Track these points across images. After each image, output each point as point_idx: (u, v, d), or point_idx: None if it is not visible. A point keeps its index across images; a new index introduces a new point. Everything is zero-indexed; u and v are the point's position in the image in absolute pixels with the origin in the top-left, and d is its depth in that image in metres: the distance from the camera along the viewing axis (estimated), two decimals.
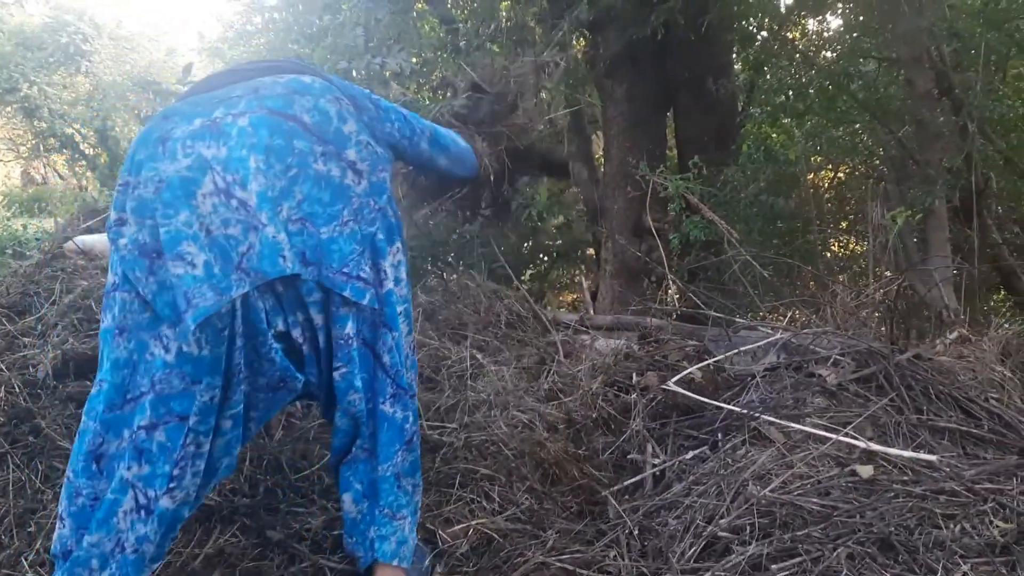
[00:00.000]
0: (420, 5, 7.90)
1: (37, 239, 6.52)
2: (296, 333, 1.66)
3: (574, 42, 6.83)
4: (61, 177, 18.39)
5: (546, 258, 6.35)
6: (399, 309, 1.78)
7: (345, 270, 1.63)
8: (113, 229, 1.58)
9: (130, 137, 15.17)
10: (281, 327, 1.64)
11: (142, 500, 1.59)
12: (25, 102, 15.81)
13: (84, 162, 16.84)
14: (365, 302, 1.66)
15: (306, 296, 1.64)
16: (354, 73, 7.43)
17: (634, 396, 2.78)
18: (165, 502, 1.60)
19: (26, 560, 2.05)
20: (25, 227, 7.79)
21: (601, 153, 7.53)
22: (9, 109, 16.59)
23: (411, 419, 1.83)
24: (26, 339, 2.87)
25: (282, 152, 1.59)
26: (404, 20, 6.96)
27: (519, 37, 6.85)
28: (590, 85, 6.63)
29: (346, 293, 1.63)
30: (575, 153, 6.12)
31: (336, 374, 1.71)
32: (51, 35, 16.25)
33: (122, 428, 1.60)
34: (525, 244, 5.26)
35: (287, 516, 2.15)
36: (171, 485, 1.59)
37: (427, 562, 1.96)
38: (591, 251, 7.69)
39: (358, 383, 1.72)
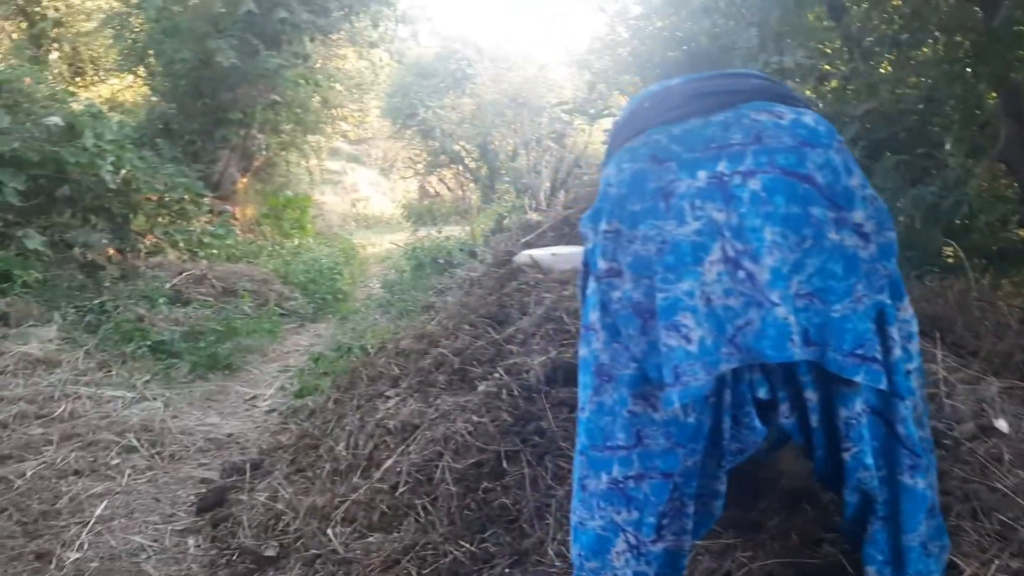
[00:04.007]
0: None
1: (461, 249, 7.39)
2: (784, 408, 1.60)
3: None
4: (449, 189, 20.85)
5: (983, 260, 5.70)
6: (908, 368, 1.61)
7: (859, 351, 1.48)
8: (604, 279, 1.58)
9: (507, 150, 16.68)
10: (763, 395, 1.58)
11: (632, 542, 1.64)
12: (422, 125, 18.29)
13: (468, 175, 19.01)
14: (882, 387, 1.50)
15: (801, 374, 1.55)
16: None
17: None
18: (656, 548, 1.64)
19: (551, 549, 2.30)
20: (448, 239, 8.85)
21: None
22: (410, 132, 19.38)
23: (931, 485, 1.66)
24: (511, 347, 3.23)
25: (798, 222, 1.48)
26: (798, 15, 6.69)
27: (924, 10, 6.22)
28: None
29: (858, 378, 1.48)
30: (1012, 141, 5.41)
31: (845, 455, 1.59)
32: (442, 63, 18.66)
33: (600, 470, 1.65)
34: (953, 247, 4.76)
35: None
36: (659, 535, 1.64)
37: None
38: None
39: (868, 460, 1.59)
